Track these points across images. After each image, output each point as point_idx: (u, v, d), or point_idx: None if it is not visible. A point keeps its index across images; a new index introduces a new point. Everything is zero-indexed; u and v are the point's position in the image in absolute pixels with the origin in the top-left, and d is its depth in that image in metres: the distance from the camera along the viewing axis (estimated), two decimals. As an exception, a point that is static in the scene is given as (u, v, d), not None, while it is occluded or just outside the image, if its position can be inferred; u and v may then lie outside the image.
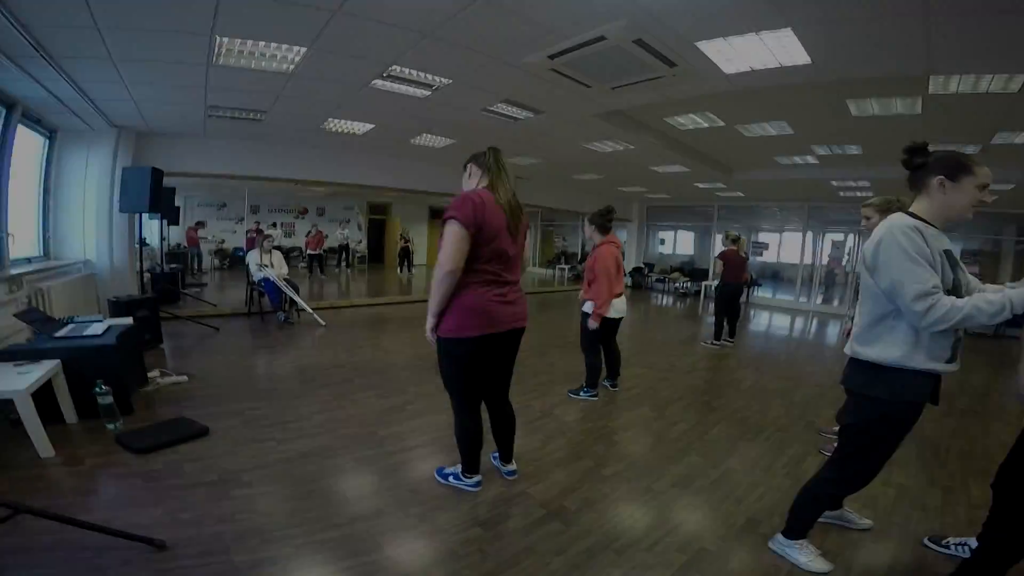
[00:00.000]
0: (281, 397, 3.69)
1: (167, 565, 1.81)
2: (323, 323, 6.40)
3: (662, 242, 15.76)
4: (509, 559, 1.99)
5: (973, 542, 1.99)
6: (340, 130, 6.60)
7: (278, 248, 10.22)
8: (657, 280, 14.10)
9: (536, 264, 18.70)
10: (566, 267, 16.46)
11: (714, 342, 6.50)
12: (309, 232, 12.95)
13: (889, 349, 1.66)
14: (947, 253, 1.64)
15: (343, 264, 14.38)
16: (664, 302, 11.68)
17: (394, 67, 4.22)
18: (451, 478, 2.51)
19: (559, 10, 3.11)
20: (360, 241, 16.09)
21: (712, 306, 7.07)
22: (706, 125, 5.92)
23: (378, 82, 4.59)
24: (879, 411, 1.72)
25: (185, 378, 3.90)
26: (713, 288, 7.22)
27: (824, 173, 7.90)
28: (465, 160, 2.38)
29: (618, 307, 3.91)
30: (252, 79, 4.53)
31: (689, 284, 12.97)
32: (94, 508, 2.16)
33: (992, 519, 1.76)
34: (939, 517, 2.43)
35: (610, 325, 3.98)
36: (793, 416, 3.83)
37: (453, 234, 2.00)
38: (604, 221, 3.91)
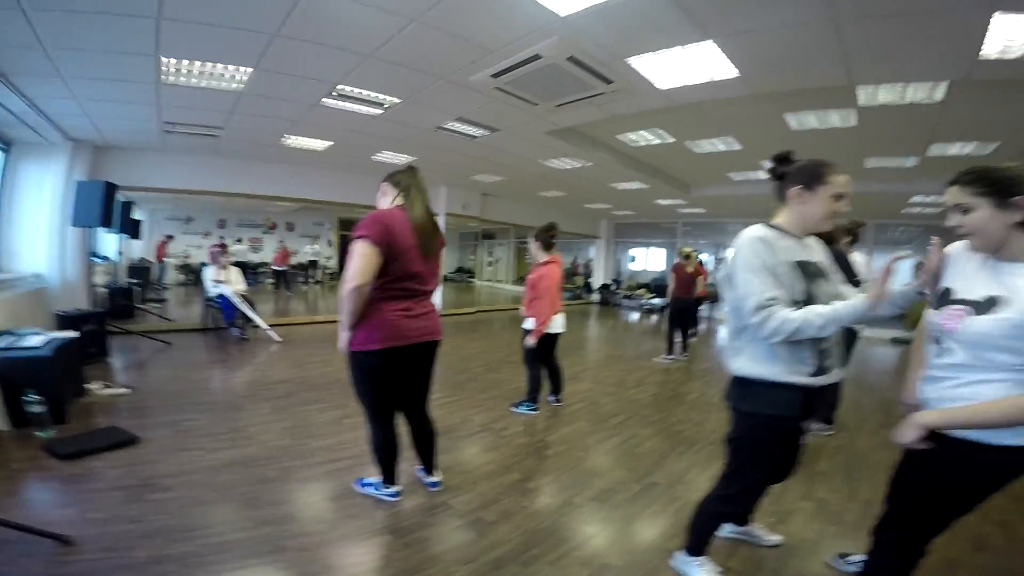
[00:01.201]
0: (219, 410, 3.68)
1: (69, 559, 1.89)
2: (278, 339, 6.37)
3: (632, 259, 16.03)
4: (413, 566, 2.01)
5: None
6: (300, 146, 6.66)
7: (242, 264, 10.24)
8: (624, 297, 14.29)
9: (511, 281, 18.82)
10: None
11: (666, 357, 6.62)
12: (276, 249, 12.94)
13: (750, 362, 1.67)
14: (802, 264, 1.65)
15: (311, 280, 14.29)
16: (630, 319, 11.85)
17: (341, 87, 4.33)
18: (370, 488, 2.54)
19: (491, 30, 3.23)
20: (330, 257, 16.05)
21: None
22: (657, 141, 6.11)
23: (328, 100, 4.70)
24: (749, 425, 1.73)
25: (127, 390, 3.88)
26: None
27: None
28: (382, 179, 2.44)
29: (557, 323, 3.99)
30: (203, 97, 4.61)
31: (656, 301, 13.19)
32: (9, 507, 2.20)
33: (882, 536, 1.67)
34: (854, 532, 2.39)
35: (550, 341, 4.04)
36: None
37: (361, 252, 2.05)
38: (548, 237, 3.98)
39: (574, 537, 2.32)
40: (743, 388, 1.71)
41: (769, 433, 1.70)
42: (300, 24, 3.22)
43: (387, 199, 2.35)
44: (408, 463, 2.70)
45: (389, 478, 2.50)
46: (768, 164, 1.80)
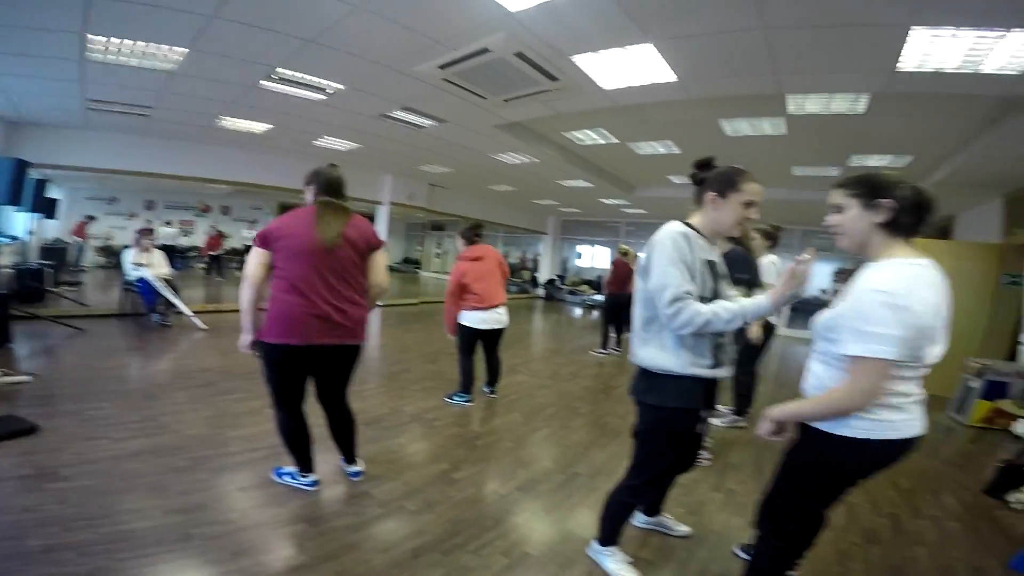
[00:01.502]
0: (131, 398, 3.47)
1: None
2: (203, 327, 6.04)
3: (579, 256, 16.34)
4: (327, 554, 1.99)
5: None
6: (237, 128, 6.37)
7: (169, 248, 9.66)
8: (568, 292, 14.56)
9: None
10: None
11: (600, 350, 6.81)
12: (209, 231, 12.27)
13: (657, 353, 1.72)
14: (711, 263, 1.74)
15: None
16: (572, 314, 12.06)
17: (282, 70, 4.18)
18: (287, 477, 2.49)
19: (440, 21, 3.21)
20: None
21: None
22: (602, 141, 6.24)
23: (267, 83, 4.53)
24: (655, 418, 1.78)
25: (28, 378, 3.58)
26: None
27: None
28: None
29: (484, 318, 3.97)
30: (133, 76, 4.39)
31: (597, 297, 13.51)
32: None
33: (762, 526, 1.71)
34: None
35: (473, 333, 4.03)
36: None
37: (252, 254, 2.19)
38: (471, 234, 4.02)
39: (497, 527, 2.33)
40: (648, 382, 1.77)
41: (673, 425, 1.78)
42: (241, 6, 3.10)
43: (308, 196, 2.34)
44: (332, 453, 2.65)
45: (305, 466, 2.45)
46: (691, 170, 1.88)
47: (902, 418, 1.36)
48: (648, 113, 4.86)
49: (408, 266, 20.80)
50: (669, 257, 1.64)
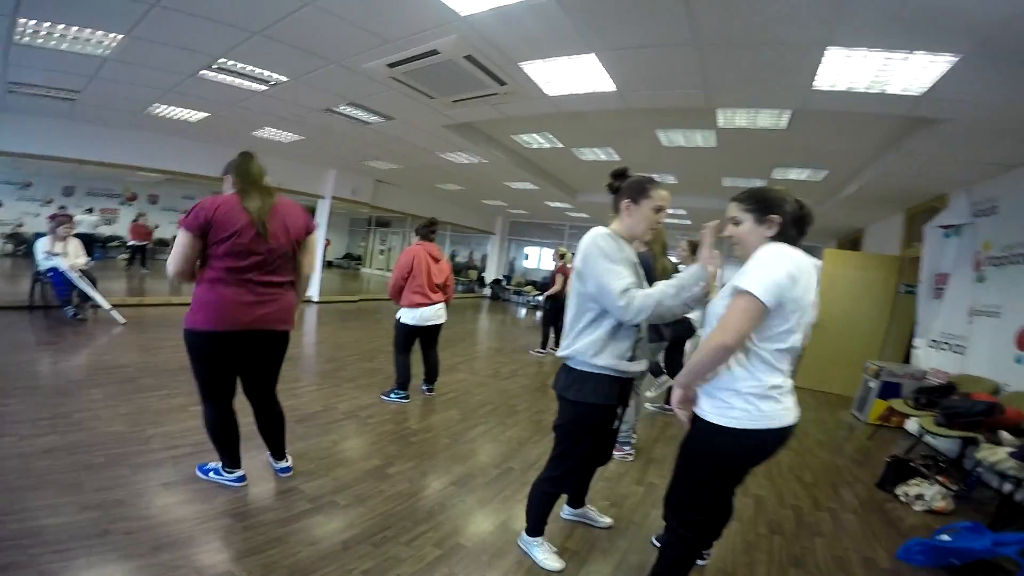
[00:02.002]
0: (41, 395, 3.28)
1: None
2: (122, 321, 5.72)
3: (527, 257, 16.54)
4: (253, 548, 1.98)
5: None
6: (170, 116, 6.06)
7: (88, 236, 9.02)
8: (514, 293, 14.73)
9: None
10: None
11: (539, 350, 7.01)
12: (135, 220, 11.51)
13: (583, 349, 1.84)
14: (634, 266, 1.90)
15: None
16: (517, 314, 12.23)
17: (223, 60, 4.05)
18: (212, 473, 2.45)
19: (390, 21, 3.21)
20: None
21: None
22: (548, 146, 6.39)
23: (207, 73, 4.37)
24: (575, 413, 1.91)
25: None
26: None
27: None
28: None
29: (435, 314, 4.04)
30: (61, 60, 4.13)
31: (541, 298, 13.72)
32: None
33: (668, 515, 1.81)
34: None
35: (425, 333, 4.09)
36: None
37: (178, 239, 2.10)
38: (427, 232, 4.07)
39: (429, 520, 2.39)
40: (569, 378, 1.91)
41: (591, 419, 1.92)
42: None
43: (228, 186, 2.30)
44: (259, 450, 2.63)
45: (231, 462, 2.42)
46: (608, 180, 2.04)
47: (777, 408, 1.53)
48: (590, 121, 5.03)
49: (349, 262, 20.33)
50: (604, 255, 1.77)
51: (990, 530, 2.52)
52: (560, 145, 6.30)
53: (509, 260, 16.39)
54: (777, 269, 1.44)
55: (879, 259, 6.73)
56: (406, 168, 8.60)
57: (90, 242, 7.93)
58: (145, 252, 11.29)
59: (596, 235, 1.84)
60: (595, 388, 1.86)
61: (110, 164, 7.26)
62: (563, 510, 2.52)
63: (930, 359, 5.05)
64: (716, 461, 1.63)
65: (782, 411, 1.54)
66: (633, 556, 2.26)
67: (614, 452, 3.32)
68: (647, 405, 4.16)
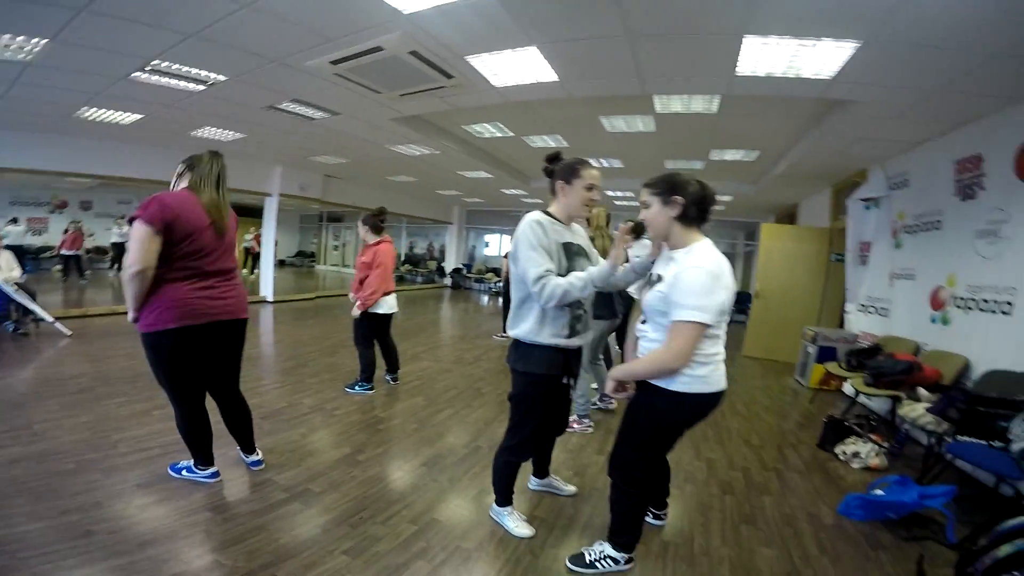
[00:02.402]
0: None
1: None
2: (68, 333, 5.53)
3: (487, 244, 16.62)
4: (235, 537, 2.07)
5: None
6: (100, 119, 5.80)
7: (18, 248, 8.52)
8: (475, 280, 14.83)
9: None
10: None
11: (501, 334, 7.17)
12: (67, 230, 10.90)
13: (525, 328, 2.00)
14: (567, 245, 2.03)
15: (117, 267, 12.33)
16: (479, 301, 12.36)
17: (158, 62, 3.94)
18: (184, 471, 2.51)
19: (331, 20, 3.21)
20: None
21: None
22: (499, 135, 6.48)
23: (140, 75, 4.23)
24: (525, 383, 2.06)
25: None
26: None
27: (602, 183, 9.05)
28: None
29: (390, 303, 4.14)
30: None
31: (501, 284, 13.89)
32: None
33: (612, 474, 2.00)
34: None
35: (383, 321, 4.18)
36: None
37: (138, 234, 2.04)
38: (377, 222, 4.13)
39: (403, 499, 2.52)
40: (518, 351, 2.08)
41: (539, 388, 2.08)
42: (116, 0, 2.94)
43: (181, 182, 2.34)
44: (230, 447, 2.69)
45: (204, 459, 2.48)
46: (543, 164, 2.20)
47: (716, 374, 1.75)
48: (538, 109, 5.15)
49: (302, 260, 19.89)
50: (529, 243, 1.92)
51: (916, 484, 2.69)
52: (511, 134, 6.40)
53: (469, 249, 16.43)
54: (714, 292, 1.64)
55: (811, 231, 7.20)
56: (355, 162, 8.51)
57: (21, 254, 7.49)
58: (80, 261, 10.73)
59: (526, 222, 1.99)
60: (540, 360, 2.03)
61: (34, 171, 6.87)
62: (530, 481, 2.69)
63: (860, 323, 5.47)
64: (660, 422, 1.83)
65: (719, 376, 1.76)
66: (597, 519, 2.42)
67: (575, 425, 3.56)
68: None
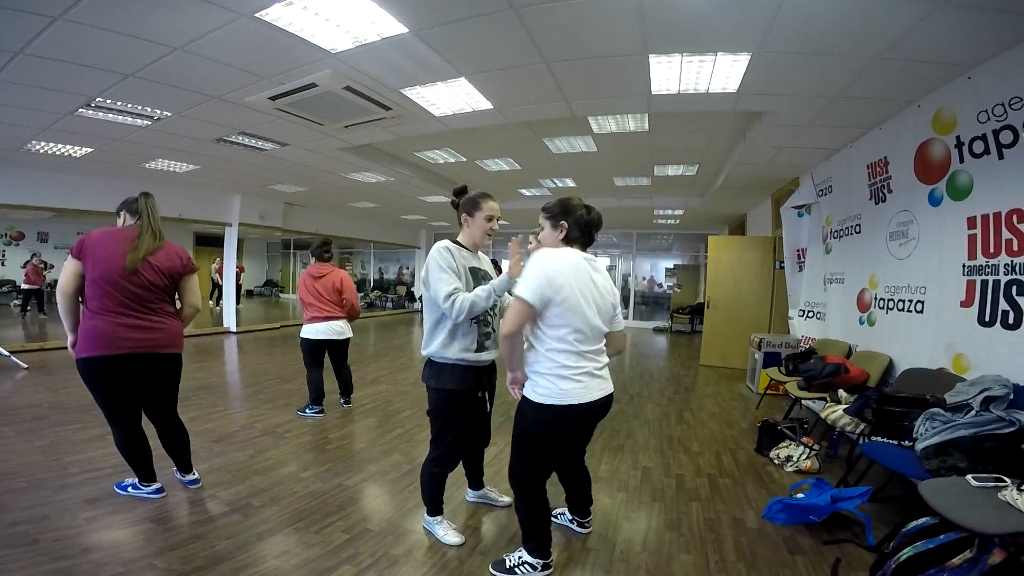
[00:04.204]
0: None
1: None
2: (24, 366, 5.48)
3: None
4: (173, 544, 2.18)
5: (567, 513, 2.49)
6: (50, 152, 5.81)
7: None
8: (443, 302, 14.82)
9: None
10: (359, 295, 16.16)
11: None
12: (27, 262, 10.67)
13: (436, 346, 2.15)
14: (473, 270, 2.19)
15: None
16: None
17: (101, 100, 4.05)
18: (130, 488, 2.61)
19: (261, 60, 3.37)
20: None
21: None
22: (452, 160, 6.67)
23: (86, 111, 4.33)
24: (440, 398, 2.20)
25: None
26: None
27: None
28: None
29: (318, 329, 4.16)
30: None
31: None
32: None
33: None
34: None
35: (334, 347, 4.26)
36: (498, 413, 4.41)
37: (65, 265, 2.34)
38: (322, 252, 4.24)
39: (340, 511, 2.60)
40: (432, 369, 2.22)
41: (452, 402, 2.22)
42: (52, 44, 3.08)
43: (119, 221, 2.53)
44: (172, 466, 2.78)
45: (146, 476, 2.59)
46: (450, 196, 2.35)
47: (575, 387, 1.86)
48: (485, 135, 5.35)
49: (270, 289, 19.69)
50: (438, 266, 2.08)
51: (832, 487, 2.71)
52: (464, 159, 6.60)
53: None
54: (537, 275, 1.79)
55: (755, 240, 7.52)
56: (314, 190, 8.62)
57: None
58: (42, 296, 10.49)
59: (435, 250, 2.14)
60: (451, 376, 2.18)
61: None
62: (467, 493, 2.78)
63: (802, 327, 5.65)
64: (531, 432, 1.95)
65: (580, 390, 1.87)
66: None
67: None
68: None
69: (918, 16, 2.42)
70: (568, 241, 1.96)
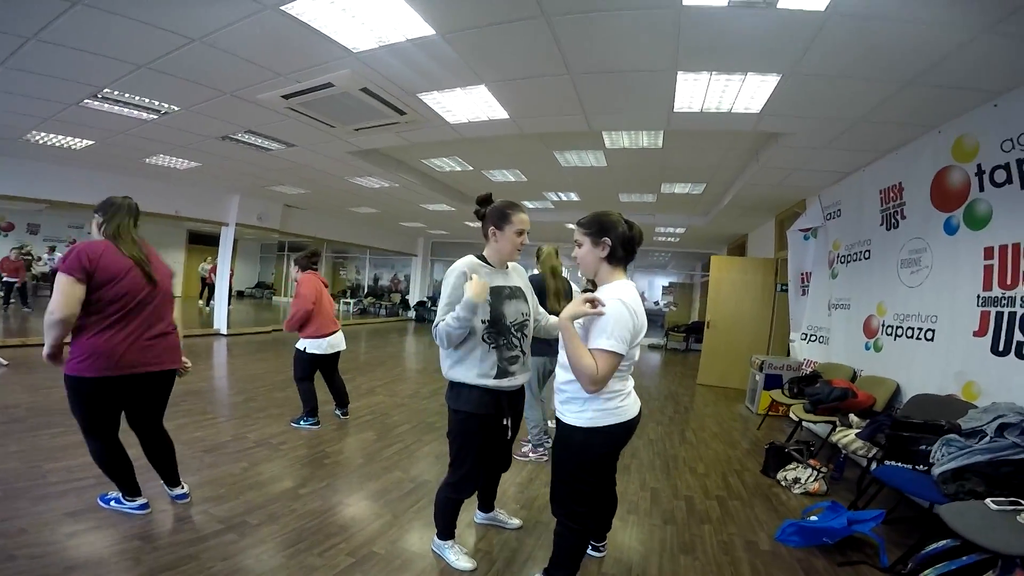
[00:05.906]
0: None
1: None
2: (5, 363, 5.27)
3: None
4: (164, 564, 2.02)
5: None
6: (50, 143, 5.68)
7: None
8: (439, 312, 14.74)
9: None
10: (351, 301, 16.07)
11: None
12: (7, 256, 10.40)
13: (456, 369, 2.06)
14: (497, 289, 2.05)
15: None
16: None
17: (109, 91, 3.95)
18: (113, 502, 2.44)
19: (281, 56, 3.28)
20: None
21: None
22: (459, 168, 6.60)
23: (91, 102, 4.22)
24: (458, 420, 2.10)
25: None
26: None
27: (562, 216, 8.97)
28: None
29: (340, 340, 4.12)
30: None
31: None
32: None
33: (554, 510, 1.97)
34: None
35: (324, 361, 4.14)
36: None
37: (60, 283, 2.05)
38: (308, 263, 4.16)
39: (342, 532, 2.47)
40: (452, 391, 2.12)
41: (470, 426, 2.10)
42: (66, 31, 2.97)
43: (98, 232, 2.31)
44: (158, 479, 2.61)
45: (129, 490, 2.42)
46: (474, 207, 2.26)
47: (620, 407, 1.81)
48: (495, 144, 5.28)
49: (262, 291, 19.45)
50: (446, 294, 2.01)
51: (847, 509, 2.74)
52: (470, 168, 6.53)
53: (434, 281, 16.38)
54: (625, 322, 1.69)
55: (757, 262, 7.53)
56: (315, 192, 8.50)
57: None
58: (25, 289, 10.22)
59: (450, 272, 2.04)
60: (469, 399, 2.06)
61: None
62: (476, 515, 2.66)
63: (804, 350, 5.65)
64: (580, 456, 1.85)
65: (626, 408, 1.83)
66: (539, 552, 2.38)
67: (531, 454, 3.55)
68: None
69: (958, 42, 2.40)
70: (612, 260, 1.85)
